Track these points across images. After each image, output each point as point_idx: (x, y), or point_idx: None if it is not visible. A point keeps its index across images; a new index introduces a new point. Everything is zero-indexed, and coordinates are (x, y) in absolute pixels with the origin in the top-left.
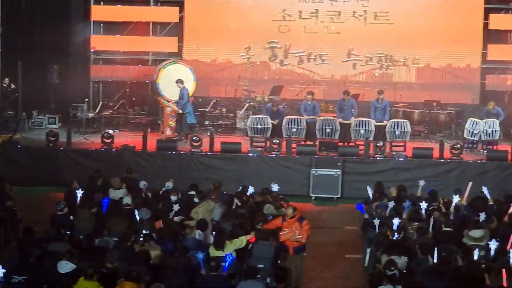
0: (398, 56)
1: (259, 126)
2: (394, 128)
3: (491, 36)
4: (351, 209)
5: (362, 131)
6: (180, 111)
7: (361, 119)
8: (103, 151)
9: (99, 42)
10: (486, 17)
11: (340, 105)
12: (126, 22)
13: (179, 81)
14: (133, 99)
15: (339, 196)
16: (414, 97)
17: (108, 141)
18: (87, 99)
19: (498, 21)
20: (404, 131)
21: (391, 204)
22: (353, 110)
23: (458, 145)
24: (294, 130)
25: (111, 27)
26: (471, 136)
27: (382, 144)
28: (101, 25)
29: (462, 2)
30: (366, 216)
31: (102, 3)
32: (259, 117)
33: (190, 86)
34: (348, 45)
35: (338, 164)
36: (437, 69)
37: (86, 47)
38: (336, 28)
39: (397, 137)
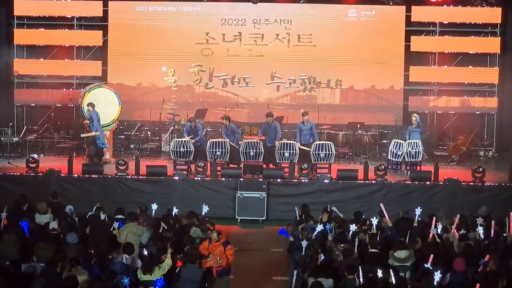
0: (321, 78)
1: (182, 149)
2: (318, 150)
3: (412, 58)
4: (277, 231)
5: (286, 154)
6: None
7: (285, 141)
8: (28, 175)
9: (22, 66)
10: (407, 39)
11: (264, 128)
12: (50, 46)
13: (90, 104)
14: (58, 123)
15: (264, 218)
16: (338, 119)
17: (33, 165)
18: (11, 124)
19: (419, 43)
20: (328, 153)
21: (319, 226)
22: (277, 133)
23: (382, 167)
24: (218, 153)
25: (35, 51)
26: (395, 158)
27: (306, 166)
28: (24, 48)
29: (384, 24)
30: (291, 238)
31: (25, 26)
32: (181, 141)
33: (115, 110)
34: (272, 67)
35: (263, 186)
36: (361, 91)
37: (9, 71)
38: (259, 51)
39: (322, 159)
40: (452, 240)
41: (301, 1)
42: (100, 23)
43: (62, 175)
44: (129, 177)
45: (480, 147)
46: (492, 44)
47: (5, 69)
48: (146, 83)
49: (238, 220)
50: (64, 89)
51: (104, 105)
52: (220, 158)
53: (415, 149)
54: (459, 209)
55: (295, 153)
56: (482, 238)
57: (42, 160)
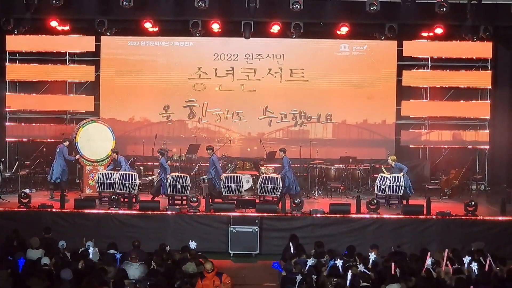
0: (312, 113)
1: (106, 181)
2: (266, 183)
3: (404, 92)
4: (270, 265)
5: (233, 186)
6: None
7: (231, 174)
8: (20, 211)
9: (14, 101)
10: (399, 74)
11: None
12: (42, 81)
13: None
14: (50, 158)
15: (257, 252)
16: (330, 154)
17: (25, 201)
18: (3, 159)
19: (411, 78)
20: (275, 187)
21: (311, 261)
22: (214, 166)
23: (375, 201)
24: (179, 186)
25: (27, 86)
26: (381, 192)
27: (299, 200)
28: (17, 83)
29: (376, 59)
30: (284, 273)
31: (17, 61)
32: (105, 173)
33: (109, 145)
34: (264, 102)
35: (256, 221)
36: (353, 125)
37: (1, 106)
38: (252, 86)
39: (269, 191)
40: (443, 276)
41: (294, 36)
42: (92, 58)
43: (55, 210)
44: (122, 212)
45: (472, 181)
46: (483, 79)
47: None
48: (138, 118)
49: (231, 255)
50: (57, 124)
51: (99, 140)
52: (181, 192)
53: (397, 183)
54: (451, 243)
55: (241, 185)
56: (475, 272)
57: (34, 196)
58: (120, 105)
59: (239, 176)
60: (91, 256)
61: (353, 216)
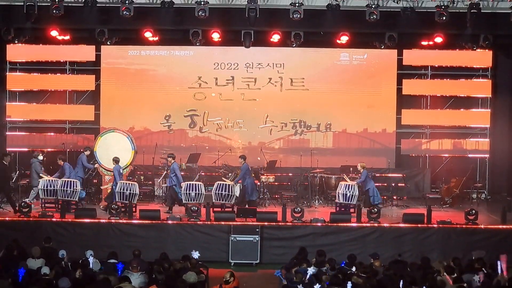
0: (312, 122)
1: (50, 187)
2: (189, 190)
3: (404, 101)
4: (270, 274)
5: (192, 194)
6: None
7: (192, 182)
8: (20, 220)
9: (15, 110)
10: (399, 83)
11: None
12: (43, 90)
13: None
14: (51, 167)
15: (258, 261)
16: (331, 163)
17: (26, 210)
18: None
19: (411, 87)
20: (199, 193)
21: (312, 269)
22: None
23: (375, 209)
24: (127, 193)
25: (28, 95)
26: (345, 200)
27: (299, 209)
28: (17, 93)
29: (376, 68)
30: (285, 282)
31: (18, 71)
32: (49, 180)
33: (129, 155)
34: (265, 111)
35: (257, 230)
36: (353, 134)
37: (2, 116)
38: (252, 95)
39: (192, 199)
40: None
41: (294, 45)
42: (92, 68)
43: (55, 220)
44: (122, 221)
45: (472, 190)
46: (483, 87)
47: None
48: (139, 127)
49: (232, 264)
50: (57, 134)
51: (117, 150)
52: (129, 199)
53: (351, 191)
54: (452, 251)
55: (201, 193)
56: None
57: (35, 205)
58: (120, 114)
59: (199, 184)
60: (91, 265)
61: (354, 225)
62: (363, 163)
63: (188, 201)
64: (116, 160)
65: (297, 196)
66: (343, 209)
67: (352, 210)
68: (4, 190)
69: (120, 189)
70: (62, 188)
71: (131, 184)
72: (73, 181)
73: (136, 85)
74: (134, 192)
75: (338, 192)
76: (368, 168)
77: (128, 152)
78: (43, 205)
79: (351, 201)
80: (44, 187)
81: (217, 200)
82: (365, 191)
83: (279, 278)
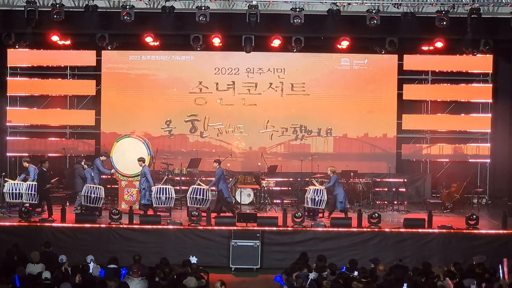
0: (312, 127)
1: (15, 191)
2: (159, 194)
3: (405, 106)
4: (271, 279)
5: (163, 198)
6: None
7: (162, 186)
8: (20, 225)
9: (15, 115)
10: (400, 87)
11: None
12: (43, 95)
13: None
14: (51, 172)
15: (258, 266)
16: None
17: (26, 215)
18: (3, 173)
19: (412, 92)
20: (169, 197)
21: (312, 275)
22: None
23: (376, 215)
24: (93, 196)
25: (28, 100)
26: (314, 205)
27: (300, 214)
28: (18, 98)
29: (376, 73)
30: (286, 287)
31: (18, 76)
32: (13, 183)
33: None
34: (266, 116)
35: (257, 235)
36: (354, 139)
37: (2, 121)
38: (253, 100)
39: (163, 202)
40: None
41: (294, 50)
42: (93, 73)
43: (55, 225)
44: (123, 226)
45: (473, 195)
46: (484, 92)
47: None
48: (139, 132)
49: (232, 269)
50: (58, 139)
51: (133, 155)
52: (94, 203)
53: (319, 196)
54: (453, 256)
55: (171, 197)
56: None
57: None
58: (121, 119)
59: (169, 188)
60: (91, 270)
61: (355, 229)
62: (333, 168)
63: (159, 204)
64: (142, 160)
65: (298, 201)
66: (311, 213)
67: (320, 214)
68: (45, 197)
69: (86, 193)
70: (27, 192)
71: (97, 188)
72: (97, 187)
73: (136, 90)
74: (100, 196)
75: (307, 197)
76: (367, 173)
77: (144, 157)
78: (8, 209)
79: (319, 205)
80: (8, 190)
81: (192, 204)
82: (333, 195)
83: (279, 284)
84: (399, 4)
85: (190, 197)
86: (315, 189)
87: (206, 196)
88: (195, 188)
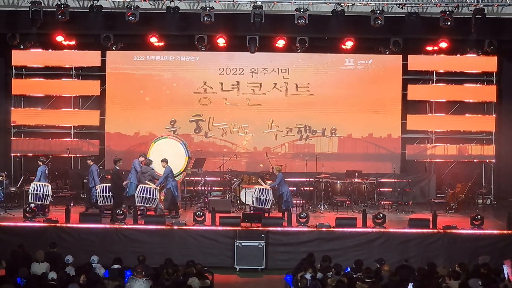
0: (317, 127)
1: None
2: (104, 192)
3: (410, 106)
4: (276, 280)
5: (147, 197)
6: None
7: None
8: (25, 226)
9: (20, 115)
10: (404, 88)
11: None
12: (48, 95)
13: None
14: (56, 172)
15: (263, 267)
16: (336, 168)
17: (30, 215)
18: (5, 172)
19: (416, 92)
20: (110, 195)
21: (319, 275)
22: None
23: (381, 215)
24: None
25: (33, 100)
26: (260, 204)
27: (305, 215)
28: (22, 98)
29: (381, 73)
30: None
31: (23, 76)
32: (40, 184)
33: (182, 161)
34: (270, 116)
35: (262, 235)
36: (358, 139)
37: (7, 121)
38: (257, 100)
39: (107, 200)
40: None
41: (299, 51)
42: (98, 73)
43: (59, 225)
44: (127, 227)
45: (478, 195)
46: (488, 93)
47: (3, 119)
48: (144, 132)
49: (237, 269)
50: (62, 139)
51: (171, 156)
52: (41, 200)
53: (265, 195)
54: (458, 256)
55: (154, 198)
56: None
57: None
58: (125, 119)
59: (152, 188)
60: (96, 271)
61: (359, 230)
62: (278, 166)
63: (104, 203)
64: (165, 161)
65: (303, 201)
66: (258, 212)
67: (266, 215)
68: (120, 197)
69: (33, 191)
70: (102, 194)
71: (44, 185)
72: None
73: (141, 90)
74: (47, 193)
75: (252, 196)
76: (372, 174)
77: (182, 158)
78: None
79: (264, 205)
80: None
81: (139, 203)
82: (279, 195)
83: (285, 284)
84: (404, 5)
85: (138, 196)
86: (260, 188)
87: (154, 195)
88: (143, 187)
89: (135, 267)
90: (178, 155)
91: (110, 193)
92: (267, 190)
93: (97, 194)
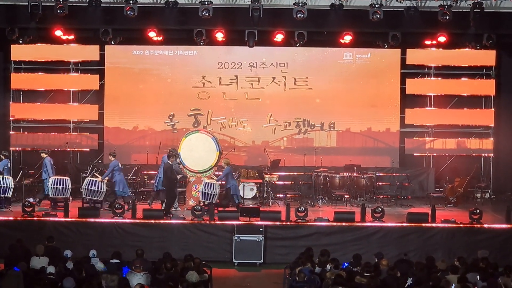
0: (315, 121)
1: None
2: (56, 185)
3: (408, 100)
4: (274, 274)
5: (93, 189)
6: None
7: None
8: (24, 220)
9: (19, 110)
10: (403, 82)
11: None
12: (47, 90)
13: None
14: (54, 167)
15: (261, 261)
16: (335, 162)
17: (29, 210)
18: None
19: (415, 86)
20: (65, 188)
21: (317, 269)
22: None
23: (379, 209)
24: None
25: (32, 95)
26: (206, 199)
27: (303, 209)
28: (21, 92)
29: (379, 67)
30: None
31: (22, 71)
32: None
33: (213, 156)
34: (268, 110)
35: (260, 229)
36: (357, 133)
37: (6, 115)
38: (256, 94)
39: (59, 193)
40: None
41: (297, 45)
42: (97, 67)
43: (58, 219)
44: (126, 221)
45: (477, 189)
46: (487, 87)
47: (2, 113)
48: (142, 127)
49: (235, 264)
50: (61, 133)
51: (202, 151)
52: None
53: (212, 190)
54: (456, 251)
55: (67, 188)
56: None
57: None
58: (124, 114)
59: (65, 179)
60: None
61: (358, 224)
62: (226, 160)
63: (56, 195)
64: (227, 163)
65: (301, 195)
66: (206, 207)
67: (216, 210)
68: (173, 191)
69: (54, 185)
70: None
71: (7, 178)
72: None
73: (140, 84)
74: (9, 186)
75: (199, 191)
76: (370, 168)
77: (213, 153)
78: None
79: (211, 199)
80: (88, 186)
81: (86, 195)
82: (226, 189)
83: (283, 277)
84: None
85: (85, 188)
86: (205, 182)
87: (101, 188)
88: (90, 180)
89: (133, 261)
90: (210, 150)
91: (62, 186)
92: (213, 185)
93: (49, 186)
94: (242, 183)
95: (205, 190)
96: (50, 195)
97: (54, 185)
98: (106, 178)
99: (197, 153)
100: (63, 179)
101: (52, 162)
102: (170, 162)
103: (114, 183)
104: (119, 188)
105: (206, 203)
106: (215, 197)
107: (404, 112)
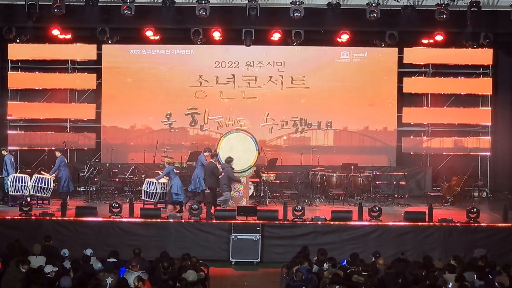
0: (312, 120)
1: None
2: (16, 182)
3: (405, 99)
4: (271, 273)
5: (41, 186)
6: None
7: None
8: (21, 219)
9: (16, 109)
10: (400, 81)
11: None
12: (44, 89)
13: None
14: (52, 166)
15: (259, 260)
16: (332, 161)
17: (26, 209)
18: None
19: (412, 85)
20: (24, 185)
21: (315, 268)
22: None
23: (377, 208)
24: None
25: (29, 94)
26: (150, 198)
27: (300, 208)
28: (18, 92)
29: (376, 66)
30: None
31: (19, 70)
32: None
33: (252, 156)
34: (265, 109)
35: (257, 228)
36: (354, 132)
37: (3, 114)
38: (253, 93)
39: (18, 190)
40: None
41: (294, 44)
42: (94, 66)
43: (55, 218)
44: (123, 220)
45: (474, 188)
46: (484, 85)
47: None
48: (139, 126)
49: (233, 263)
50: (58, 132)
51: (241, 151)
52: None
53: (153, 189)
54: (454, 250)
55: (26, 185)
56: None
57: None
58: (121, 113)
59: (24, 177)
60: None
61: (355, 223)
62: (168, 159)
63: (15, 192)
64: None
65: (298, 194)
66: (152, 206)
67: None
68: (215, 189)
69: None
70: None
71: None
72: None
73: (137, 83)
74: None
75: (143, 190)
76: (368, 167)
77: (252, 152)
78: None
79: (154, 198)
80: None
81: (34, 192)
82: (170, 187)
83: (280, 276)
84: None
85: (33, 185)
86: (148, 181)
87: (48, 185)
88: (37, 177)
89: (130, 260)
90: (249, 150)
91: (21, 183)
92: (154, 184)
93: (8, 184)
94: (24, 176)
95: (147, 189)
96: (10, 193)
97: (13, 182)
98: (53, 174)
99: (236, 153)
100: (22, 176)
101: (12, 160)
102: (213, 161)
103: (59, 178)
104: (62, 184)
105: (151, 202)
106: (157, 196)
107: (401, 111)
